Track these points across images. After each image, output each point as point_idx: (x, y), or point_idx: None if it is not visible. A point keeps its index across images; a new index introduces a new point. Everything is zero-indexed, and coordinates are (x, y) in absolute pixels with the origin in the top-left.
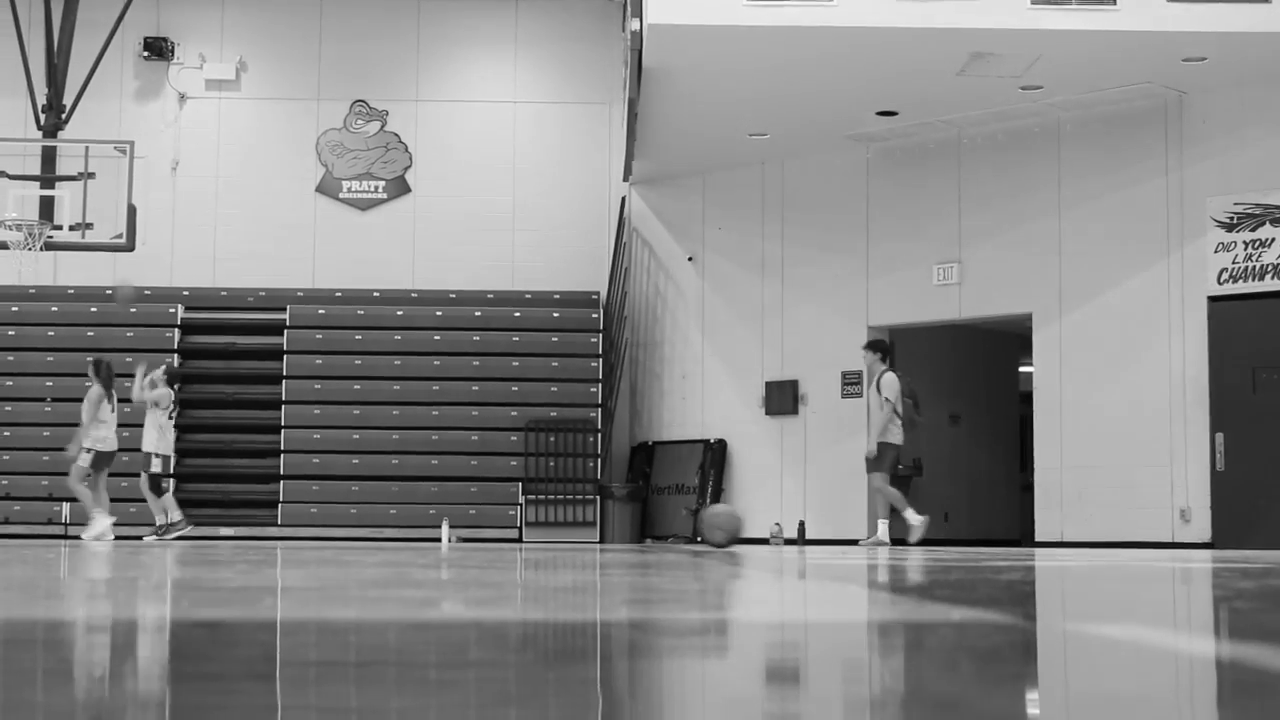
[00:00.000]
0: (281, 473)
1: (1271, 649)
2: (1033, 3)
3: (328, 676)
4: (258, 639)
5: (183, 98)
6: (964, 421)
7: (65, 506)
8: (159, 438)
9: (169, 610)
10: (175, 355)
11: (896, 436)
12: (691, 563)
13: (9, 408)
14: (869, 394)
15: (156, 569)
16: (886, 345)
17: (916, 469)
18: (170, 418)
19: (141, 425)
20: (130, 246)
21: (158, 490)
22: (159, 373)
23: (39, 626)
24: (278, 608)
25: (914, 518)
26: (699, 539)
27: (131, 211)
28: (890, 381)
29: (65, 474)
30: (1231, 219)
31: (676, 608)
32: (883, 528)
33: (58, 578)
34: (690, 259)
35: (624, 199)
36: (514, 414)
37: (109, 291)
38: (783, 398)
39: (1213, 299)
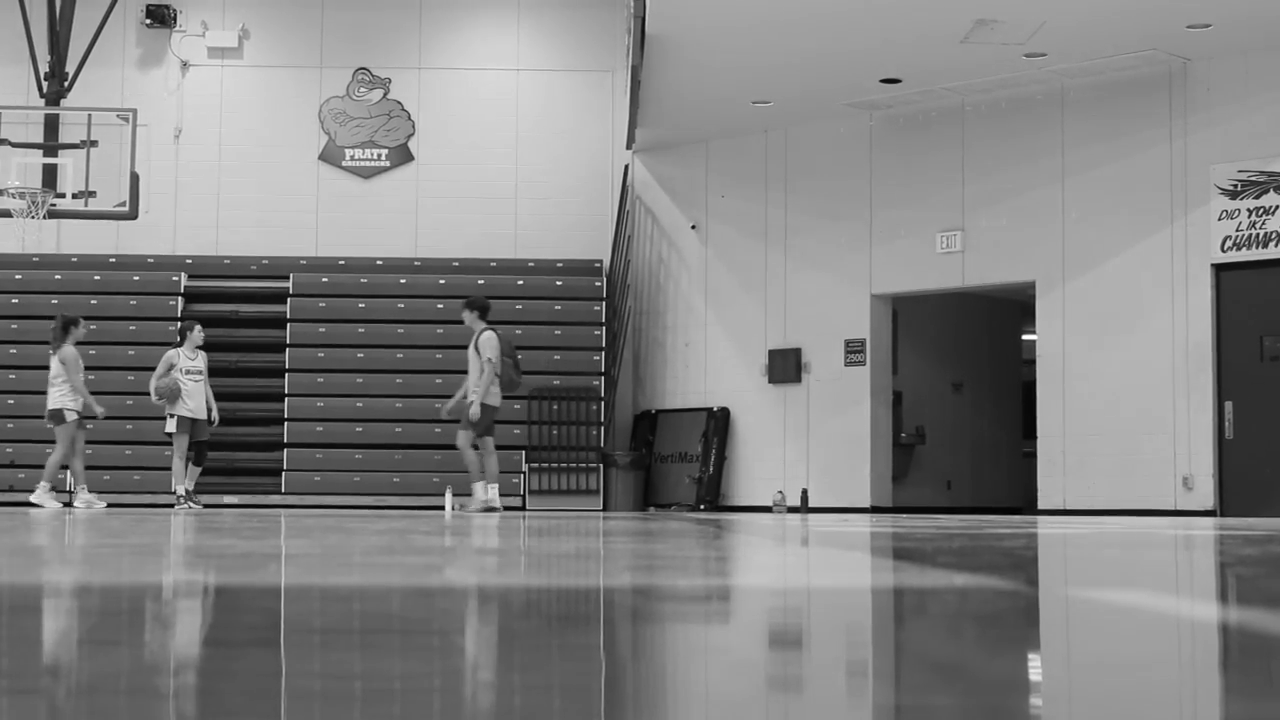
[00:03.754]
0: (285, 440)
1: (1273, 614)
2: None
3: (331, 643)
4: (262, 605)
5: (185, 65)
6: (966, 389)
7: (68, 474)
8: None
9: (172, 575)
10: (178, 323)
11: (495, 398)
12: (695, 530)
13: (13, 376)
14: (470, 353)
15: (167, 535)
16: (485, 303)
17: (919, 437)
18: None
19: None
20: (133, 215)
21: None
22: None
23: (36, 592)
24: (282, 574)
25: (480, 492)
26: None
27: (134, 179)
28: (489, 340)
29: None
30: (1235, 186)
31: (680, 574)
32: (490, 490)
33: (65, 545)
34: (694, 227)
35: (627, 166)
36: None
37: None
38: (786, 366)
39: (1217, 266)
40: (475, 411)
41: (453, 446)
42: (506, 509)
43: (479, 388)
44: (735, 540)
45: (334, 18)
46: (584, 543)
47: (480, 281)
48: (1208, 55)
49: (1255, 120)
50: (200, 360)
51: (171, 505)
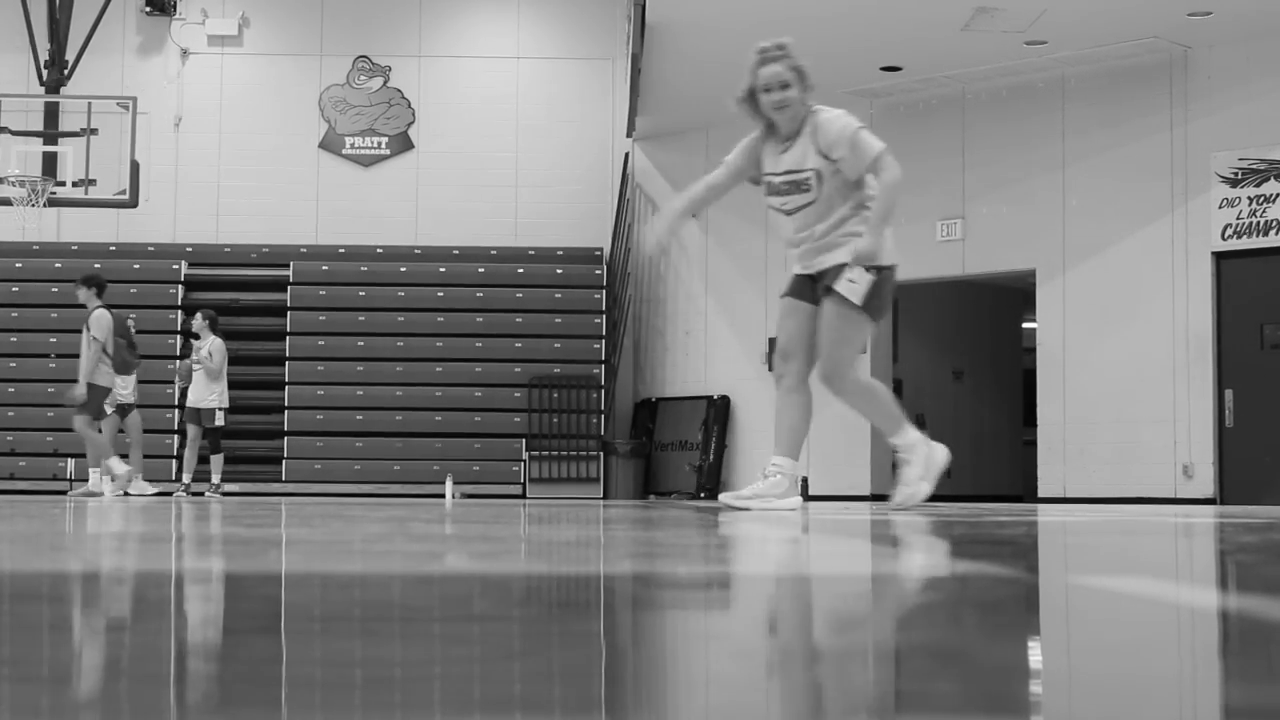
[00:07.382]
0: (285, 429)
1: (1272, 600)
2: None
3: (332, 630)
4: (263, 592)
5: (185, 53)
6: (967, 377)
7: (70, 462)
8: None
9: (175, 562)
10: (179, 311)
11: (106, 378)
12: (695, 519)
13: (13, 364)
14: (84, 333)
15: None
16: (100, 279)
17: (919, 425)
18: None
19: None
20: (133, 203)
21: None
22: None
23: (44, 579)
24: (283, 561)
25: (118, 466)
26: None
27: (134, 168)
28: (100, 318)
29: (70, 430)
30: (1236, 174)
31: (679, 561)
32: (94, 476)
33: (68, 532)
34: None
35: (627, 154)
36: (517, 370)
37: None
38: None
39: (1217, 254)
40: (80, 393)
41: (453, 434)
42: (508, 496)
43: (85, 368)
44: (734, 529)
45: (334, 5)
46: (584, 530)
47: (481, 270)
48: (1208, 43)
49: (1256, 108)
50: (206, 348)
51: (170, 494)
